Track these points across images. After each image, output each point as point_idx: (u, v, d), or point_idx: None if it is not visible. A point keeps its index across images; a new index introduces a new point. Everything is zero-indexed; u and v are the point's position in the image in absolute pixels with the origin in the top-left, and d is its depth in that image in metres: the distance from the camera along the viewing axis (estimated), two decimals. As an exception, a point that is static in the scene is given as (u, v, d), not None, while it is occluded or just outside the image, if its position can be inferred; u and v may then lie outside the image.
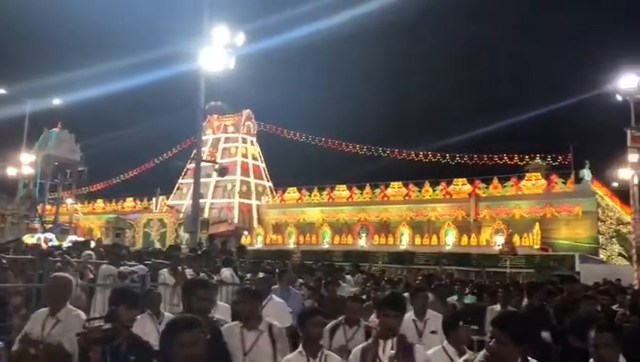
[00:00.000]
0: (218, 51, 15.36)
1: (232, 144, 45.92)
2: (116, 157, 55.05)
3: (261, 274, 7.97)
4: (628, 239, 22.47)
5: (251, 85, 53.30)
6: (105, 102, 51.38)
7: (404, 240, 33.03)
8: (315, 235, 36.23)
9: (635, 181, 21.39)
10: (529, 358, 3.13)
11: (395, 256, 28.99)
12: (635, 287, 14.93)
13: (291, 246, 35.58)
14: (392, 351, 3.63)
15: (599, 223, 30.04)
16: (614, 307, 8.36)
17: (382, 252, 30.24)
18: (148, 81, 41.33)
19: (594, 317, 5.77)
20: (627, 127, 20.53)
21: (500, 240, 28.39)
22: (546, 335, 6.76)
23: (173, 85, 34.74)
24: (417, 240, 32.59)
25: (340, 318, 5.50)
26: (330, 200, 39.57)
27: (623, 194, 25.59)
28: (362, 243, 34.37)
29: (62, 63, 59.35)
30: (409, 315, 5.70)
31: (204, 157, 30.66)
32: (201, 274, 8.36)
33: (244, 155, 45.46)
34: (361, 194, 38.76)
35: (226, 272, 8.80)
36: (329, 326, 5.53)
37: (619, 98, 22.00)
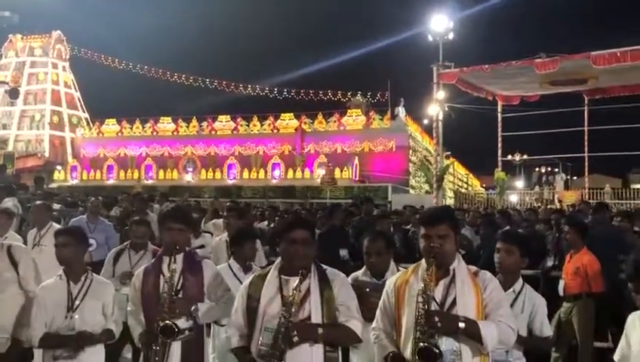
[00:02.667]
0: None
1: (41, 69, 41.11)
2: None
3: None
4: (431, 170, 24.70)
5: (64, 4, 47.84)
6: None
7: (232, 174, 32.90)
8: (137, 170, 34.48)
9: (440, 117, 23.35)
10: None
11: (223, 190, 28.77)
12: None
13: (111, 181, 33.57)
14: (175, 265, 3.33)
15: (410, 156, 32.72)
16: (408, 226, 9.06)
17: (209, 186, 29.86)
18: None
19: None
20: (434, 64, 22.05)
21: (322, 173, 29.53)
22: (344, 253, 7.03)
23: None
24: (245, 175, 32.67)
25: (125, 243, 5.14)
26: (154, 134, 37.69)
27: (431, 129, 27.89)
28: (189, 178, 33.53)
29: None
30: (224, 236, 6.01)
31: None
32: (-25, 205, 7.34)
33: (55, 82, 41.02)
34: (188, 127, 37.49)
35: (9, 203, 7.86)
36: (112, 251, 5.19)
37: (430, 38, 23.50)
